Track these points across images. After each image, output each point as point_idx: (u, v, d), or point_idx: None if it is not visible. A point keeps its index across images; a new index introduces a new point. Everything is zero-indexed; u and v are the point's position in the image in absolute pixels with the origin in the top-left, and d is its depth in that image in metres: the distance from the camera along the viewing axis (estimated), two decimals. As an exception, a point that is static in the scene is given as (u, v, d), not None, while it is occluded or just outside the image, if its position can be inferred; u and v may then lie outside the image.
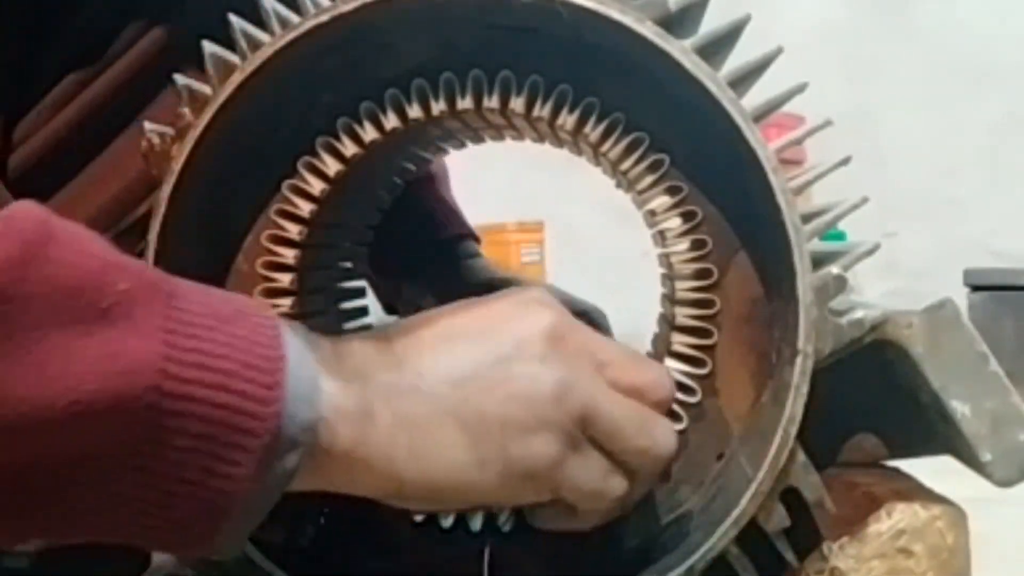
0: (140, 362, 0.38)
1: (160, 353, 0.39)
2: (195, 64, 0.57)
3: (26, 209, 0.40)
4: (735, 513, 0.51)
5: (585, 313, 0.78)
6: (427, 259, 0.86)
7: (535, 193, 2.79)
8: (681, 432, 0.57)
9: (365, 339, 0.48)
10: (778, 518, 0.51)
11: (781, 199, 0.50)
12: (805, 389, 0.50)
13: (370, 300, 0.75)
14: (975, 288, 2.09)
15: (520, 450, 0.46)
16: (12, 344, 0.37)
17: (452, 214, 0.89)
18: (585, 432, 0.48)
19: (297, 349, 0.43)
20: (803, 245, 0.50)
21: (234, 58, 0.56)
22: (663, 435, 0.50)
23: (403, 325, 0.49)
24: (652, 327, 0.63)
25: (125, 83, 0.68)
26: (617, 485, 0.49)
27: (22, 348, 0.37)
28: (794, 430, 0.50)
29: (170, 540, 0.42)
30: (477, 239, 0.90)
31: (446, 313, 0.50)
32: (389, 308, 0.93)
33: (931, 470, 0.57)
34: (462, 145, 0.68)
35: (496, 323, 0.48)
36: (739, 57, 0.54)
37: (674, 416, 0.57)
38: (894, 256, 2.52)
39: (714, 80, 0.51)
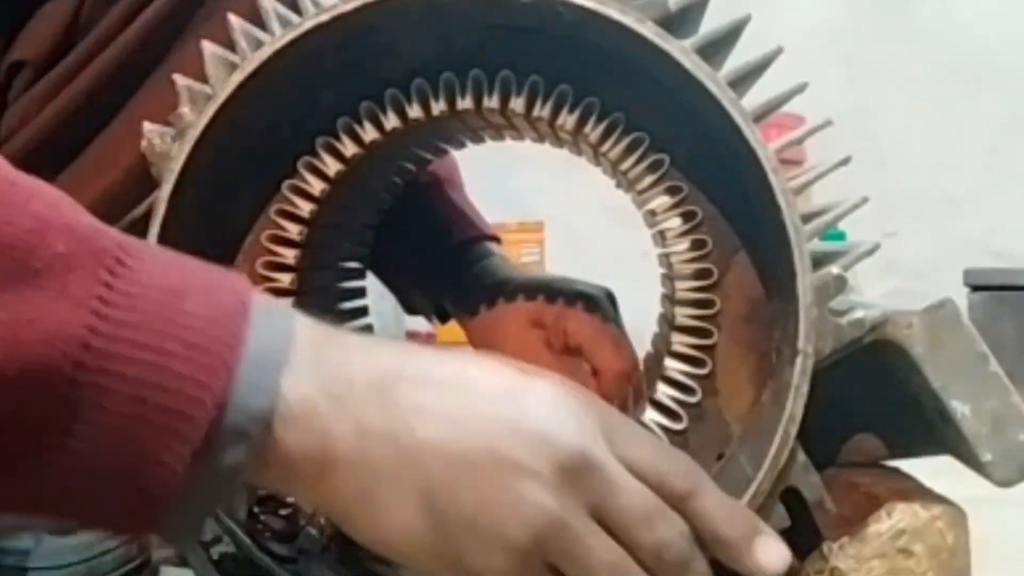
0: (61, 330, 0.35)
1: (85, 324, 0.36)
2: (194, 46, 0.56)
3: None
4: (735, 513, 0.51)
5: (592, 299, 0.77)
6: (440, 265, 0.86)
7: (535, 193, 2.79)
8: (681, 432, 0.58)
9: (370, 355, 0.43)
10: (778, 518, 0.51)
11: (781, 199, 0.50)
12: (805, 389, 0.50)
13: (370, 300, 0.75)
14: (975, 288, 2.09)
15: (477, 560, 0.41)
16: None
17: (463, 218, 0.88)
18: (556, 565, 0.42)
19: (265, 339, 0.39)
20: (803, 245, 0.50)
21: (234, 58, 0.56)
22: None
23: (424, 361, 0.43)
24: (652, 327, 0.64)
25: (115, 71, 0.68)
26: None
27: None
28: (794, 430, 0.50)
29: (110, 523, 0.40)
30: (495, 238, 0.89)
31: (473, 375, 0.43)
32: (410, 309, 0.93)
33: (931, 470, 0.57)
34: (462, 145, 0.68)
35: (520, 421, 0.42)
36: (739, 57, 0.54)
37: (674, 416, 0.58)
38: (894, 256, 2.52)
39: (714, 80, 0.51)
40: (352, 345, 0.43)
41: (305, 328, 0.42)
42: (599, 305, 0.76)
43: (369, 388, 0.41)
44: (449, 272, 0.85)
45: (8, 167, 0.38)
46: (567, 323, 0.75)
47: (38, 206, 0.37)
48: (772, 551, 0.46)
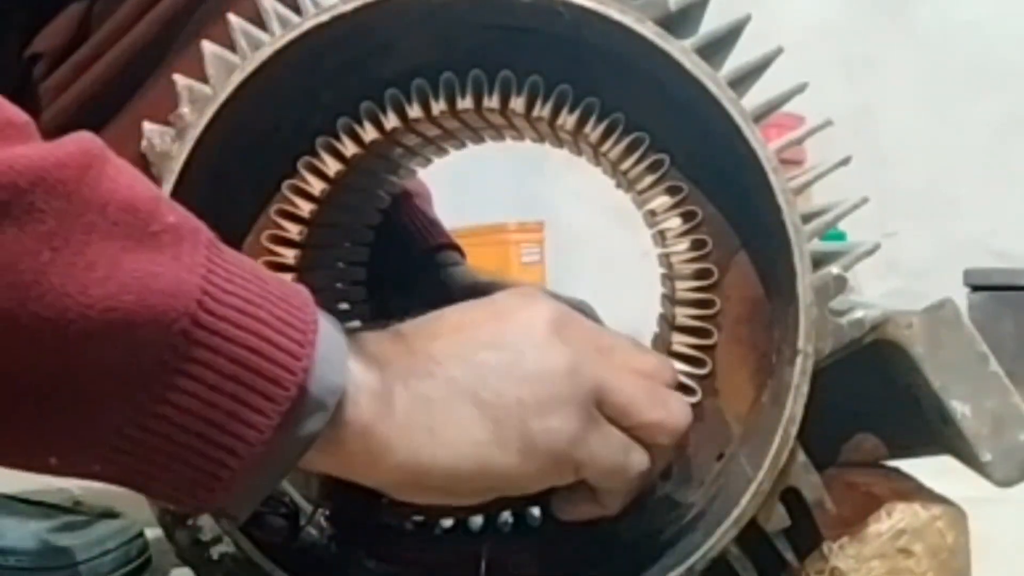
0: (180, 287, 0.39)
1: (199, 286, 0.39)
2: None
3: (88, 135, 0.41)
4: (735, 513, 0.51)
5: (576, 309, 0.78)
6: (410, 272, 0.87)
7: (535, 193, 2.78)
8: None
9: (376, 331, 0.49)
10: (778, 518, 0.51)
11: (781, 199, 0.50)
12: (805, 389, 0.50)
13: (370, 300, 0.75)
14: (975, 288, 2.09)
15: (539, 426, 0.47)
16: (61, 241, 0.37)
17: (432, 226, 0.90)
18: (600, 409, 0.48)
19: (327, 321, 0.44)
20: (803, 245, 0.50)
21: (234, 58, 0.56)
22: (677, 406, 0.51)
23: (411, 323, 0.50)
24: (652, 327, 0.64)
25: (128, 62, 0.69)
26: (637, 460, 0.49)
27: (71, 248, 0.37)
28: (794, 430, 0.50)
29: (178, 485, 0.41)
30: (459, 249, 0.91)
31: (452, 310, 0.50)
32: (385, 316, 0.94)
33: (931, 470, 0.57)
34: (462, 145, 0.68)
35: (502, 313, 0.49)
36: (739, 57, 0.54)
37: None
38: (894, 256, 2.52)
39: (714, 80, 0.51)
40: (362, 331, 0.48)
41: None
42: (585, 314, 0.77)
43: (392, 348, 0.47)
44: (423, 275, 0.87)
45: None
46: None
47: (147, 182, 0.41)
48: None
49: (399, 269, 0.87)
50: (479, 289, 0.79)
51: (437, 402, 0.46)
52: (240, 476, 0.41)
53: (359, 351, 0.45)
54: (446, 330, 0.49)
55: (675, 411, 0.51)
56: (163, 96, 0.59)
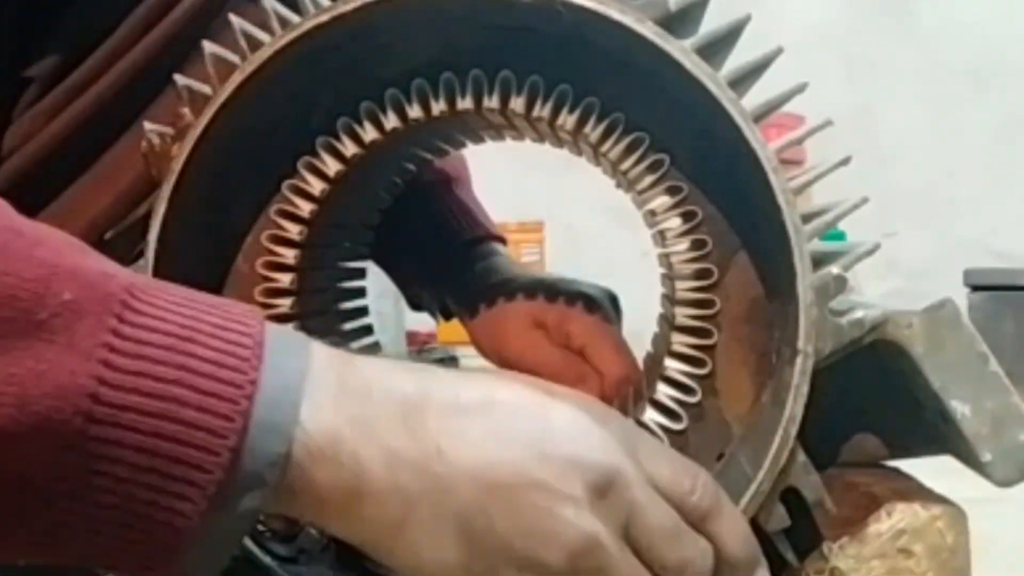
0: (68, 384, 0.35)
1: (94, 375, 0.35)
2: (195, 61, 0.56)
3: None
4: (735, 513, 0.51)
5: (593, 300, 0.77)
6: (444, 263, 0.86)
7: (535, 193, 2.79)
8: (681, 432, 0.58)
9: (393, 380, 0.42)
10: (778, 518, 0.51)
11: (781, 199, 0.50)
12: (805, 389, 0.50)
13: (370, 300, 0.75)
14: (975, 288, 2.09)
15: None
16: None
17: (469, 216, 0.87)
18: None
19: (280, 374, 0.39)
20: (803, 245, 0.50)
21: (234, 58, 0.56)
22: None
23: (450, 388, 0.43)
24: (652, 327, 0.63)
25: (125, 85, 0.68)
26: None
27: None
28: (794, 430, 0.50)
29: (129, 569, 0.39)
30: (500, 238, 0.89)
31: (500, 393, 0.43)
32: (415, 306, 0.93)
33: (931, 470, 0.57)
34: (462, 145, 0.68)
35: (549, 444, 0.42)
36: (740, 57, 0.53)
37: (674, 416, 0.58)
38: (894, 256, 2.52)
39: (714, 80, 0.51)
40: (372, 371, 0.42)
41: (322, 357, 0.41)
42: (600, 306, 0.76)
43: (396, 415, 0.41)
44: (453, 270, 0.85)
45: (13, 214, 0.38)
46: (569, 325, 0.76)
47: (43, 253, 0.37)
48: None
49: (433, 263, 0.86)
50: (510, 288, 0.79)
51: (419, 503, 0.40)
52: (182, 555, 0.38)
53: (336, 404, 0.40)
54: (474, 422, 0.42)
55: None
56: (165, 117, 0.58)
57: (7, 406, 0.34)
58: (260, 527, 0.55)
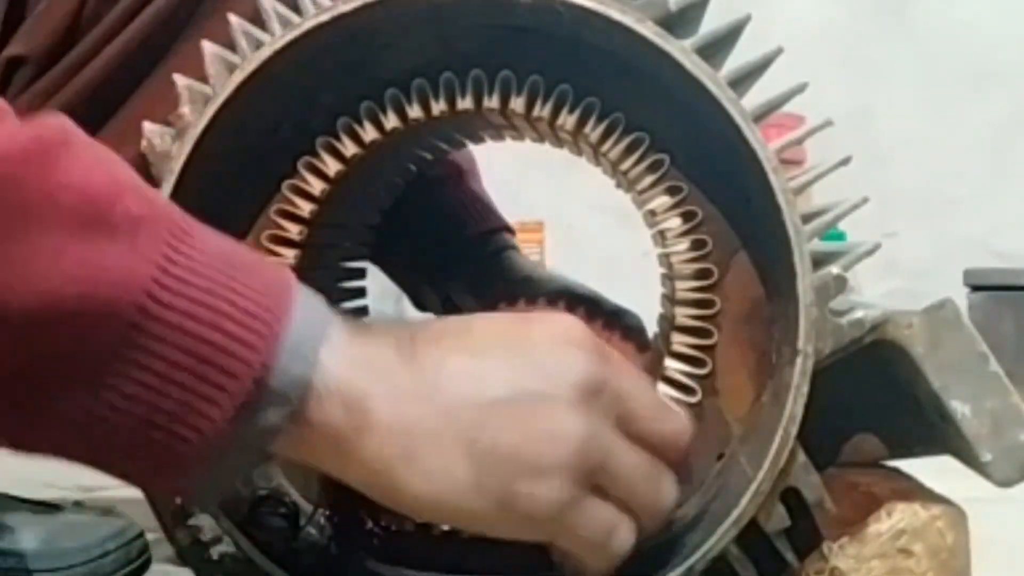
0: (128, 278, 0.38)
1: (151, 275, 0.39)
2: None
3: (53, 117, 0.40)
4: (735, 513, 0.51)
5: (617, 315, 0.76)
6: (457, 258, 0.85)
7: (535, 193, 2.78)
8: None
9: (387, 331, 0.46)
10: (778, 518, 0.51)
11: (781, 199, 0.50)
12: (805, 389, 0.50)
13: (370, 300, 0.76)
14: (975, 288, 2.08)
15: (526, 489, 0.44)
16: (4, 233, 0.37)
17: (480, 209, 0.87)
18: (596, 480, 0.46)
19: (307, 315, 0.42)
20: (803, 245, 0.50)
21: (234, 58, 0.56)
22: (668, 490, 0.49)
23: (431, 327, 0.47)
24: (652, 327, 0.63)
25: (119, 64, 0.68)
26: (618, 541, 0.47)
27: (13, 239, 0.37)
28: (794, 430, 0.50)
29: (139, 469, 0.41)
30: (510, 230, 0.89)
31: (478, 326, 0.48)
32: (421, 306, 0.92)
33: (931, 470, 0.57)
34: (462, 145, 0.68)
35: (531, 355, 0.46)
36: (740, 58, 0.53)
37: None
38: (894, 256, 2.51)
39: (714, 80, 0.51)
40: (374, 327, 0.46)
41: (337, 314, 0.45)
42: (640, 335, 0.75)
43: (394, 356, 0.44)
44: (464, 261, 0.85)
45: (83, 133, 0.41)
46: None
47: (117, 169, 0.41)
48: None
49: (444, 256, 0.86)
50: (535, 290, 0.78)
51: (424, 432, 0.43)
52: (198, 464, 0.40)
53: (346, 350, 0.43)
54: (463, 353, 0.45)
55: (665, 496, 0.49)
56: (161, 95, 0.59)
57: (73, 286, 0.37)
58: (260, 527, 0.55)
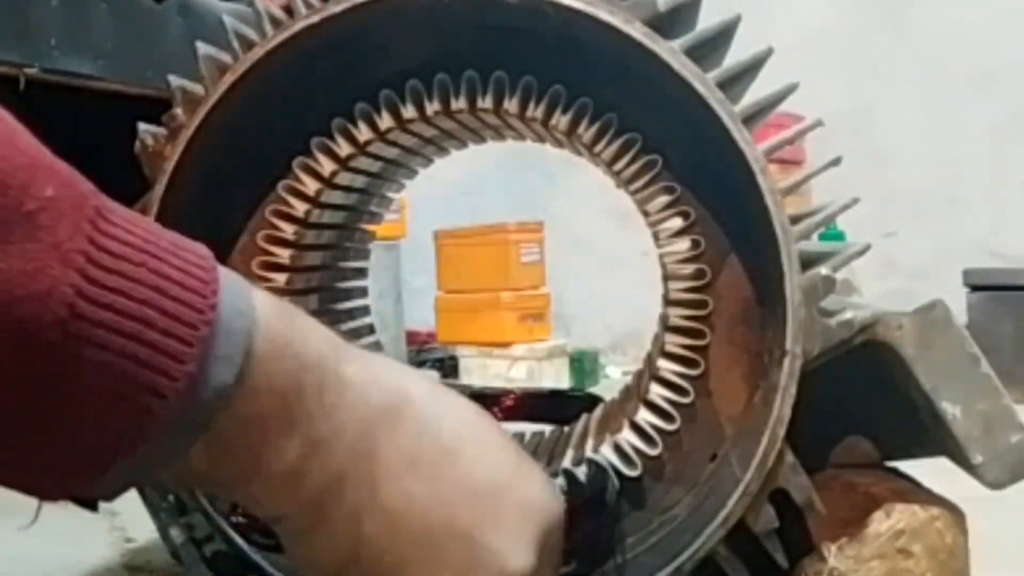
0: (51, 290, 0.34)
1: (72, 283, 0.34)
2: None
3: None
4: (723, 514, 0.51)
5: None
6: None
7: (535, 193, 2.79)
8: (674, 433, 0.57)
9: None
10: (766, 519, 0.51)
11: (769, 200, 0.50)
12: (793, 390, 0.50)
13: (370, 300, 0.76)
14: (975, 288, 2.08)
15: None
16: None
17: None
18: None
19: (235, 306, 0.38)
20: (791, 246, 0.50)
21: (227, 58, 0.56)
22: None
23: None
24: (652, 327, 0.63)
25: None
26: None
27: None
28: (782, 431, 0.50)
29: (102, 447, 0.37)
30: None
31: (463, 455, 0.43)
32: None
33: (931, 470, 0.57)
34: (463, 145, 0.68)
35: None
36: (740, 59, 0.53)
37: (667, 417, 0.57)
38: (894, 256, 2.52)
39: (702, 80, 0.51)
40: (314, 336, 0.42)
41: (265, 304, 0.40)
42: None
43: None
44: None
45: None
46: None
47: (23, 142, 0.35)
48: None
49: None
50: None
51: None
52: (158, 428, 0.36)
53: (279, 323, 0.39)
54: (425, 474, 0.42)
55: None
56: None
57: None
58: (256, 527, 0.55)
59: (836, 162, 0.53)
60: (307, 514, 0.40)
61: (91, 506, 0.40)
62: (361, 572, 0.41)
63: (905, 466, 0.59)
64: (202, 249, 0.39)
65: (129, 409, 0.36)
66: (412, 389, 0.42)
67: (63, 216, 0.35)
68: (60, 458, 0.36)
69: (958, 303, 2.01)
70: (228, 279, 0.39)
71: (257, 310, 0.39)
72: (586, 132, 0.57)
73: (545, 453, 0.65)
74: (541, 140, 0.63)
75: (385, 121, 0.58)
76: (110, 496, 0.39)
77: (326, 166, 0.59)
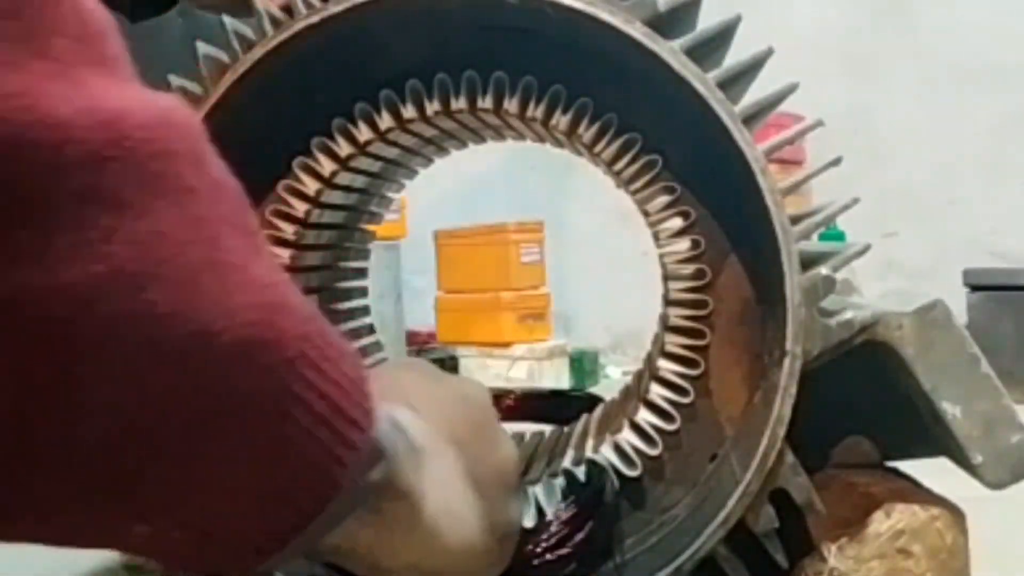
0: (300, 310, 0.34)
1: (304, 330, 0.34)
2: None
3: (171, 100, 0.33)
4: (723, 514, 0.51)
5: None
6: None
7: (535, 193, 2.78)
8: (674, 433, 0.57)
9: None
10: (767, 519, 0.51)
11: (769, 200, 0.50)
12: (793, 390, 0.50)
13: (370, 300, 0.76)
14: (975, 288, 2.08)
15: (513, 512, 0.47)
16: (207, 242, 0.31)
17: None
18: None
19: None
20: (791, 246, 0.50)
21: (227, 58, 0.56)
22: None
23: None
24: (652, 327, 0.63)
25: None
26: None
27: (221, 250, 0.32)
28: (782, 431, 0.50)
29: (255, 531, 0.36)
30: None
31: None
32: None
33: (931, 470, 0.57)
34: (463, 145, 0.68)
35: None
36: (741, 59, 0.53)
37: (667, 417, 0.57)
38: (894, 256, 2.51)
39: (702, 80, 0.51)
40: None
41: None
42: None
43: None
44: None
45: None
46: None
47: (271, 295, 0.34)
48: None
49: None
50: None
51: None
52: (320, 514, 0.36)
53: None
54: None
55: None
56: None
57: (259, 308, 0.32)
58: None
59: (836, 162, 0.53)
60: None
61: None
62: None
63: (905, 466, 0.59)
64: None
65: (315, 475, 0.35)
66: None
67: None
68: (249, 517, 0.35)
69: (958, 303, 2.01)
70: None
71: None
72: (586, 132, 0.57)
73: (545, 453, 0.65)
74: (541, 140, 0.64)
75: (385, 121, 0.58)
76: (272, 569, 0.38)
77: (326, 166, 0.59)
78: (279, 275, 0.34)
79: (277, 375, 0.33)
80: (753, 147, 0.50)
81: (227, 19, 0.57)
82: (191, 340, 0.30)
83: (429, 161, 0.70)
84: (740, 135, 0.50)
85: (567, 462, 0.59)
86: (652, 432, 0.57)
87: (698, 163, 0.56)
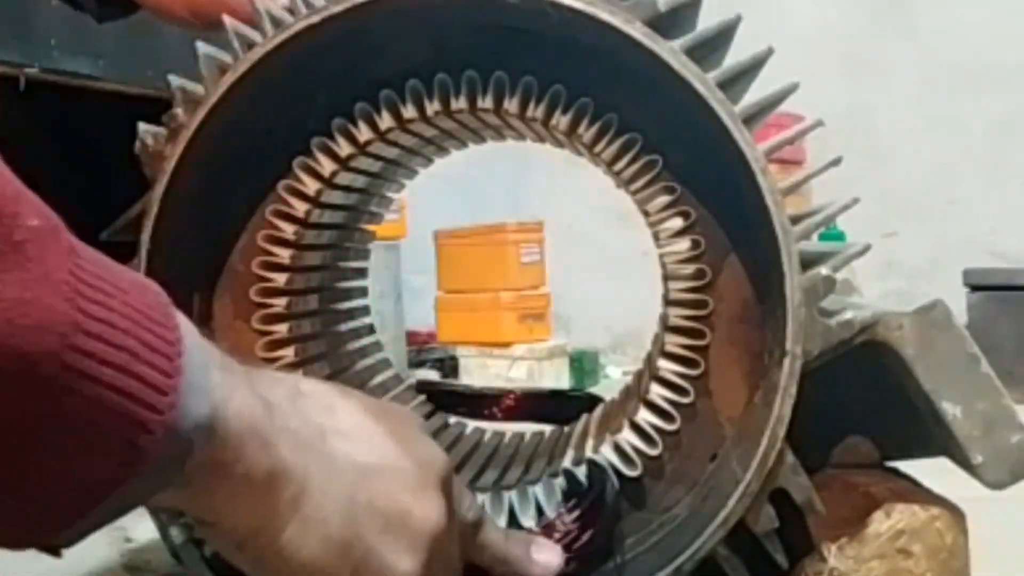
0: (48, 322, 0.33)
1: (68, 316, 0.34)
2: None
3: None
4: (723, 514, 0.51)
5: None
6: None
7: (535, 193, 2.79)
8: (674, 433, 0.57)
9: (273, 376, 0.45)
10: (767, 519, 0.51)
11: (769, 200, 0.50)
12: (793, 390, 0.50)
13: (370, 300, 0.76)
14: (975, 288, 2.08)
15: (386, 557, 0.45)
16: None
17: None
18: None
19: (188, 329, 0.38)
20: (791, 246, 0.50)
21: (227, 58, 0.56)
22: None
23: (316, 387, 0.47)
24: (652, 327, 0.63)
25: None
26: None
27: None
28: (782, 431, 0.50)
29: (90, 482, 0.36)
30: None
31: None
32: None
33: (931, 470, 0.57)
34: (463, 145, 0.68)
35: (406, 436, 0.47)
36: (740, 59, 0.53)
37: (667, 417, 0.57)
38: (894, 256, 2.52)
39: (702, 80, 0.51)
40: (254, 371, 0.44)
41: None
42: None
43: (287, 400, 0.43)
44: None
45: None
46: None
47: (6, 172, 0.34)
48: (545, 549, 0.53)
49: None
50: None
51: (313, 479, 0.42)
52: (143, 464, 0.36)
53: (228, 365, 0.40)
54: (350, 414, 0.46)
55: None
56: None
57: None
58: None
59: (836, 162, 0.53)
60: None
61: (54, 552, 0.39)
62: None
63: (905, 466, 0.59)
64: (153, 284, 0.38)
65: (118, 445, 0.35)
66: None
67: (47, 247, 0.34)
68: (42, 500, 0.35)
69: (958, 303, 2.01)
70: (178, 315, 0.38)
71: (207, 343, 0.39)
72: (586, 132, 0.57)
73: (545, 453, 0.65)
74: (541, 140, 0.64)
75: (385, 121, 0.58)
76: (77, 540, 0.38)
77: (326, 166, 0.59)
78: (37, 284, 0.33)
79: (36, 376, 0.33)
80: (753, 147, 0.50)
81: (227, 19, 0.57)
82: None
83: (429, 161, 0.70)
84: (740, 135, 0.50)
85: (567, 462, 0.59)
86: (652, 432, 0.57)
87: (698, 163, 0.56)
